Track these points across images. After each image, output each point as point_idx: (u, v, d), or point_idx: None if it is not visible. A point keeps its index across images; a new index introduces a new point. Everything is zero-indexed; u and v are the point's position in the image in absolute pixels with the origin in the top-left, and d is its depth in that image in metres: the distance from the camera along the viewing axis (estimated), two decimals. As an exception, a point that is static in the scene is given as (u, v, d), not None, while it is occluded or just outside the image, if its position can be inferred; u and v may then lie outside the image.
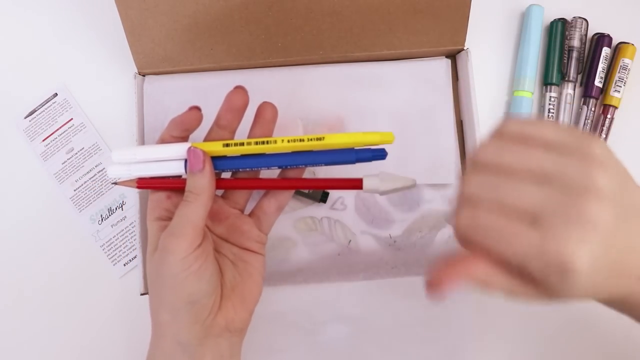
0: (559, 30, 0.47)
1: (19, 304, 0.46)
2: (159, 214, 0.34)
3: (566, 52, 0.47)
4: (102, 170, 0.47)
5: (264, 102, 0.36)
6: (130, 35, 0.43)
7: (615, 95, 0.46)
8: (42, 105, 0.47)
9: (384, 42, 0.44)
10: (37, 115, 0.47)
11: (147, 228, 0.34)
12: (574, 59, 0.47)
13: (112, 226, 0.46)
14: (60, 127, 0.47)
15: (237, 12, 0.42)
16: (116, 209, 0.46)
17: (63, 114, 0.47)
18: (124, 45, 0.43)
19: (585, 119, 0.47)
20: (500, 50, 0.49)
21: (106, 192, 0.46)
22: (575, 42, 0.47)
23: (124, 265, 0.46)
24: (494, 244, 0.24)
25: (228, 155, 0.35)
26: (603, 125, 0.47)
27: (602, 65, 0.46)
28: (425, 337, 0.44)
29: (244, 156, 0.35)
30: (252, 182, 0.37)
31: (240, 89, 0.34)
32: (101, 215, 0.46)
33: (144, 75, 0.46)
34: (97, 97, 0.48)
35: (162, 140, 0.35)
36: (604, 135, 0.46)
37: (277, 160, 0.35)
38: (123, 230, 0.46)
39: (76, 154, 0.47)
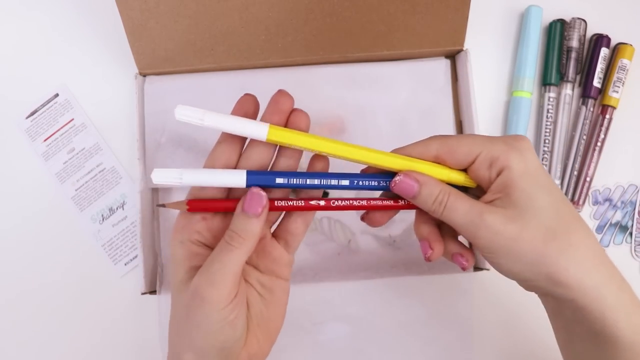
0: (557, 30, 0.47)
1: (19, 304, 0.46)
2: (189, 236, 0.30)
3: (565, 52, 0.47)
4: (103, 170, 0.47)
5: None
6: (131, 36, 0.43)
7: (613, 95, 0.47)
8: (44, 106, 0.47)
9: (384, 42, 0.44)
10: (39, 115, 0.47)
11: (172, 249, 0.31)
12: (573, 60, 0.47)
13: (113, 226, 0.46)
14: (61, 127, 0.47)
15: (238, 12, 0.42)
16: (117, 208, 0.46)
17: (64, 114, 0.47)
18: (124, 45, 0.43)
19: (584, 119, 0.47)
20: (500, 50, 0.49)
21: (107, 191, 0.46)
22: (574, 43, 0.47)
23: (125, 264, 0.46)
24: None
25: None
26: (602, 125, 0.47)
27: (600, 66, 0.47)
28: (425, 336, 0.44)
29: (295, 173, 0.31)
30: (306, 206, 0.31)
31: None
32: (102, 215, 0.46)
33: (144, 76, 0.46)
34: (98, 97, 0.48)
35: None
36: (602, 136, 0.47)
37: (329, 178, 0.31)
38: (124, 229, 0.46)
39: (77, 154, 0.47)
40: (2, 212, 0.47)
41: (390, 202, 0.32)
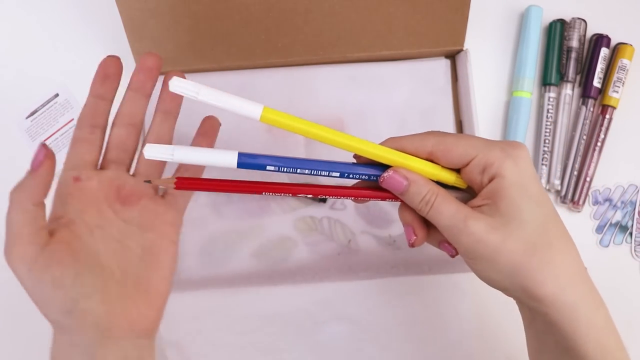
0: (557, 31, 0.47)
1: (19, 304, 0.46)
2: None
3: (565, 52, 0.47)
4: (102, 170, 0.47)
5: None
6: (130, 36, 0.43)
7: (613, 95, 0.47)
8: (44, 106, 0.47)
9: (384, 42, 0.44)
10: (39, 115, 0.47)
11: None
12: (573, 60, 0.47)
13: (112, 226, 0.46)
14: (61, 127, 0.47)
15: (237, 12, 0.42)
16: (117, 208, 0.46)
17: (64, 114, 0.47)
18: (124, 45, 0.43)
19: (584, 119, 0.47)
20: (500, 50, 0.49)
21: (107, 192, 0.46)
22: (574, 43, 0.47)
23: (125, 264, 0.46)
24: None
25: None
26: (602, 125, 0.47)
27: (600, 66, 0.47)
28: (425, 336, 0.44)
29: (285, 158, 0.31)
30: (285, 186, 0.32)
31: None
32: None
33: (144, 76, 0.46)
34: (98, 97, 0.48)
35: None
36: (602, 136, 0.47)
37: (317, 165, 0.31)
38: (124, 230, 0.46)
39: (77, 154, 0.47)
40: (2, 212, 0.47)
41: (378, 192, 0.32)
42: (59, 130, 0.47)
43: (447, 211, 0.29)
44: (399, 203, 0.33)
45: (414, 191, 0.30)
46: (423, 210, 0.30)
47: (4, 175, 0.47)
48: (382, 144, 0.32)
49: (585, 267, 0.29)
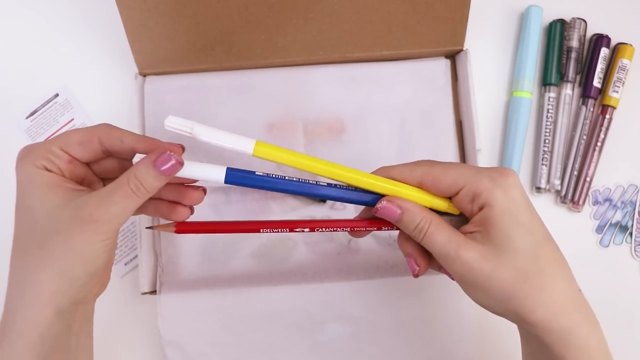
0: (557, 31, 0.47)
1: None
2: (47, 164, 0.30)
3: (565, 52, 0.47)
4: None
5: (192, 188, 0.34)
6: (131, 36, 0.43)
7: (613, 95, 0.47)
8: (44, 106, 0.47)
9: (384, 42, 0.44)
10: (39, 115, 0.47)
11: (24, 173, 0.30)
12: (573, 60, 0.47)
13: (112, 226, 0.46)
14: (61, 127, 0.47)
15: (238, 12, 0.42)
16: (117, 208, 0.46)
17: (64, 114, 0.47)
18: (124, 45, 0.43)
19: (584, 119, 0.47)
20: (500, 50, 0.49)
21: (107, 192, 0.46)
22: (574, 43, 0.47)
23: (125, 264, 0.46)
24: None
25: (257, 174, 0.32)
26: (602, 125, 0.47)
27: (600, 66, 0.47)
28: (425, 336, 0.44)
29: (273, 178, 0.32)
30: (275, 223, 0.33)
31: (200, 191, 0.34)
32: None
33: (144, 76, 0.46)
34: (98, 97, 0.48)
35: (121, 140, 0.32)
36: (602, 136, 0.47)
37: (312, 189, 0.32)
38: (124, 229, 0.46)
39: (77, 154, 0.47)
40: (2, 212, 0.47)
41: (375, 222, 0.33)
42: (59, 130, 0.47)
43: (440, 239, 0.30)
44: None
45: (407, 220, 0.31)
46: (417, 238, 0.31)
47: (4, 175, 0.47)
48: (373, 173, 0.32)
49: (579, 290, 0.30)
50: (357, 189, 0.32)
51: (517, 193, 0.29)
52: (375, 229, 0.33)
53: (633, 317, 0.46)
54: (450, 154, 0.46)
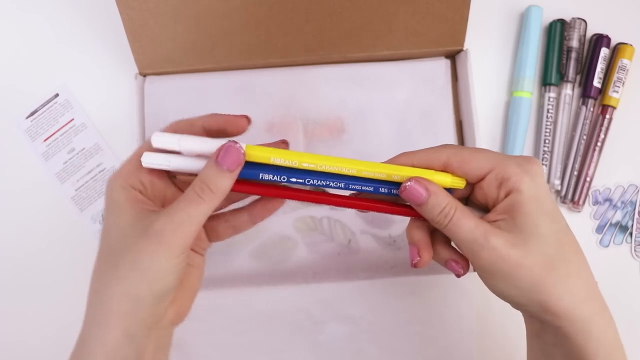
0: (557, 30, 0.47)
1: (20, 304, 0.46)
2: (132, 183, 0.30)
3: (565, 52, 0.47)
4: (103, 170, 0.47)
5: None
6: (131, 36, 0.43)
7: (613, 95, 0.47)
8: (44, 106, 0.47)
9: (384, 42, 0.44)
10: (39, 115, 0.47)
11: (111, 193, 0.29)
12: (573, 60, 0.47)
13: (112, 226, 0.46)
14: (61, 127, 0.47)
15: (238, 12, 0.42)
16: (117, 208, 0.46)
17: (64, 114, 0.47)
18: (124, 45, 0.43)
19: (584, 119, 0.47)
20: (500, 50, 0.49)
21: (107, 192, 0.47)
22: (574, 43, 0.47)
23: (125, 264, 0.46)
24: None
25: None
26: (602, 125, 0.47)
27: (600, 66, 0.47)
28: (425, 336, 0.44)
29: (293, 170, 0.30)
30: (307, 195, 0.31)
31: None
32: (102, 215, 0.46)
33: (144, 76, 0.46)
34: (98, 97, 0.48)
35: (192, 125, 0.31)
36: (602, 136, 0.47)
37: (329, 179, 0.31)
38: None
39: (77, 154, 0.47)
40: (2, 212, 0.47)
41: (390, 206, 0.32)
42: (59, 130, 0.47)
43: (467, 225, 0.29)
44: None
45: (433, 203, 0.29)
46: (441, 223, 0.30)
47: (4, 175, 0.47)
48: (395, 158, 0.31)
49: (596, 282, 0.30)
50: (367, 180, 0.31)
51: (543, 181, 0.29)
52: (391, 213, 0.32)
53: (633, 317, 0.46)
54: (450, 154, 0.46)
